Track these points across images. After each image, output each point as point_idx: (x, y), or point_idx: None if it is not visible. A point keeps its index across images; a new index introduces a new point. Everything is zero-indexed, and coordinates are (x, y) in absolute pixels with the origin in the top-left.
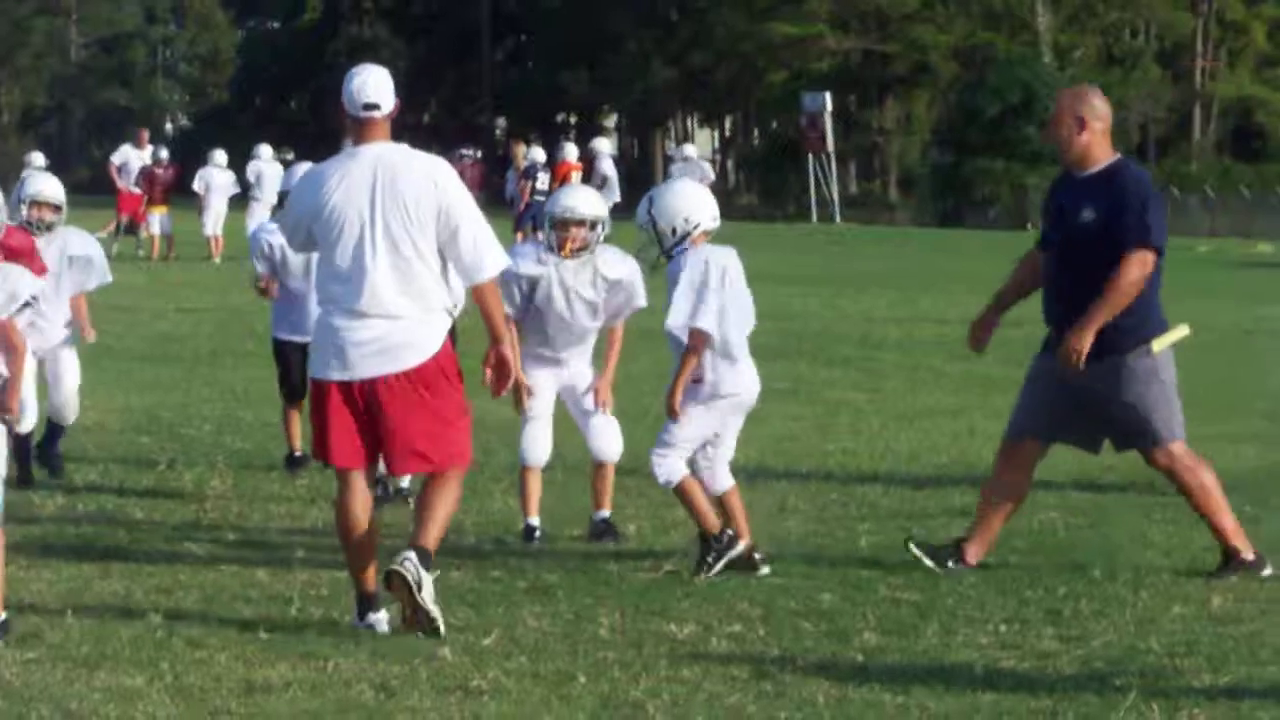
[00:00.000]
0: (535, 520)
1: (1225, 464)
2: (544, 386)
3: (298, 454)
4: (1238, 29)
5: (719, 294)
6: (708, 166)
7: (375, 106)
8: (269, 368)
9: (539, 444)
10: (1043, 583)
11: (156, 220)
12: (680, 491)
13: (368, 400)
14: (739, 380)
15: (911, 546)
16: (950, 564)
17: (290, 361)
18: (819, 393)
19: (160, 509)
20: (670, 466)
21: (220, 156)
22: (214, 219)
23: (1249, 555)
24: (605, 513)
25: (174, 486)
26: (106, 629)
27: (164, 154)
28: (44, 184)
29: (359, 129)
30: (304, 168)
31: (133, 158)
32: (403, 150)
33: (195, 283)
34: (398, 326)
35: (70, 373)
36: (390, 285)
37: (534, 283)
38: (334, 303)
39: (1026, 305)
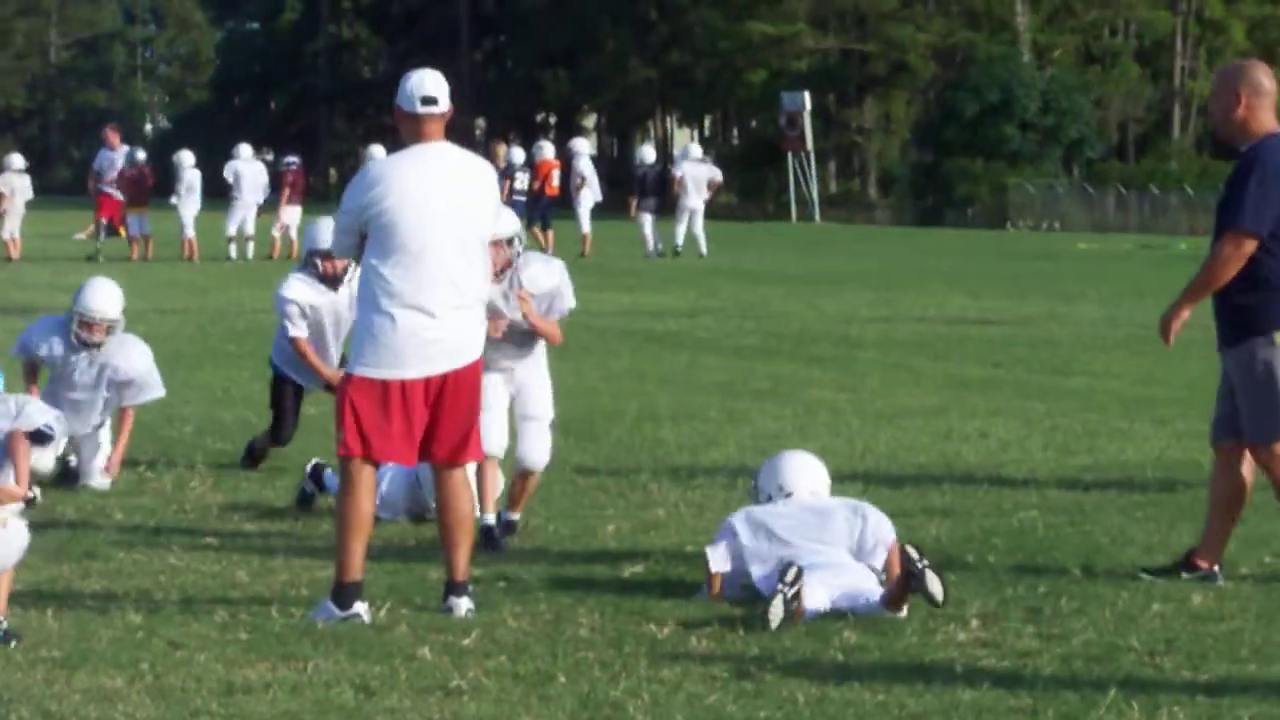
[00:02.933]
0: (491, 518)
1: (1206, 461)
2: (496, 382)
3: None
4: (1217, 27)
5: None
6: (690, 165)
7: (434, 101)
8: (250, 369)
9: (492, 432)
10: (1023, 581)
11: (135, 222)
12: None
13: (434, 396)
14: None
15: (1143, 575)
16: (1183, 575)
17: (285, 405)
18: (798, 392)
19: (140, 510)
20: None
21: (189, 157)
22: (191, 220)
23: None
24: (515, 515)
25: (154, 487)
26: (86, 629)
27: (140, 155)
28: (99, 299)
29: (418, 125)
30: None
31: (108, 160)
32: (462, 150)
33: (175, 283)
34: (468, 323)
35: (99, 457)
36: (464, 286)
37: None
38: (406, 299)
39: (1001, 305)
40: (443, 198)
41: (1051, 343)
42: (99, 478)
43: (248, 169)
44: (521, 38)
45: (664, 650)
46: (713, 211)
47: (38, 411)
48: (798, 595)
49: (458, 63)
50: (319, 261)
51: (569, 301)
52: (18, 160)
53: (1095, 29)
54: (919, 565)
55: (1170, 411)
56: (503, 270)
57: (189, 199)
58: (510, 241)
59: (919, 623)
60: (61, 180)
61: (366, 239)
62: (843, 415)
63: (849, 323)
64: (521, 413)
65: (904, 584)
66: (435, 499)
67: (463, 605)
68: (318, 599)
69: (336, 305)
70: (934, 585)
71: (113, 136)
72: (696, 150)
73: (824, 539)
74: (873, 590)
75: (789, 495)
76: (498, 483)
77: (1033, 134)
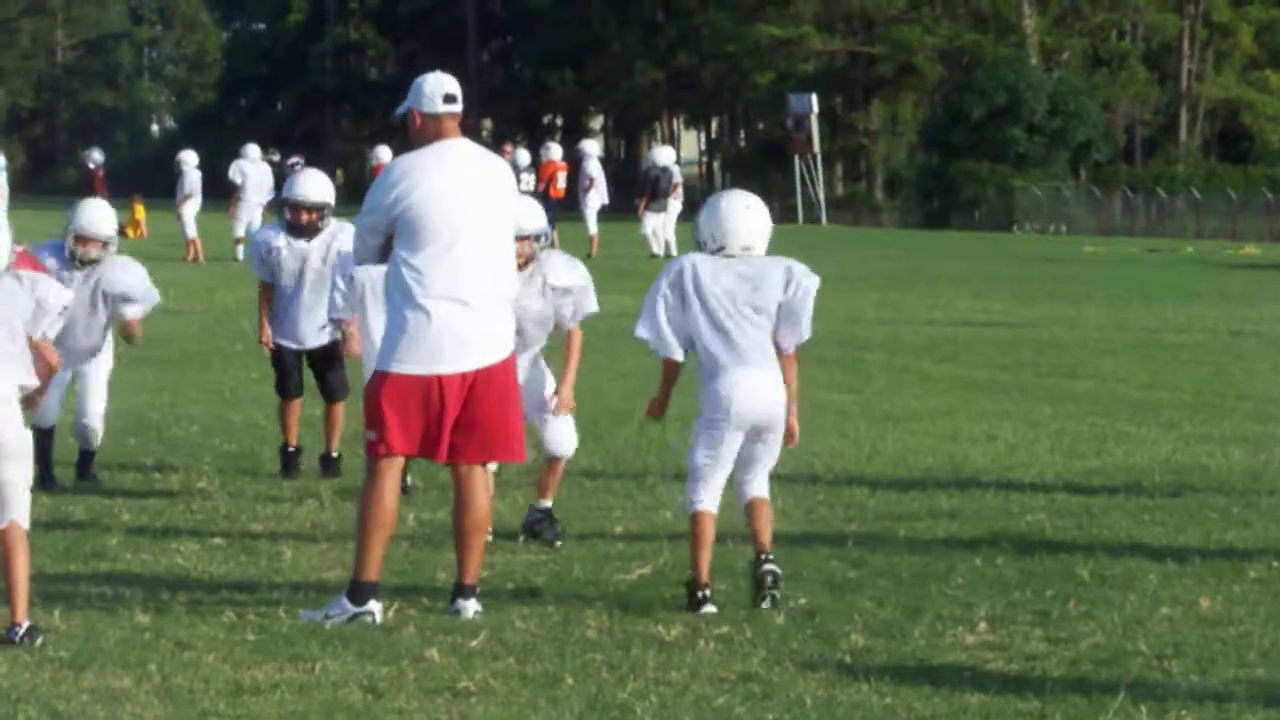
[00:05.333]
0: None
1: (1214, 465)
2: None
3: (293, 448)
4: (1224, 31)
5: (666, 301)
6: (676, 170)
7: (455, 99)
8: (256, 369)
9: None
10: (1030, 584)
11: None
12: (691, 522)
13: (467, 391)
14: (727, 397)
15: None
16: None
17: (286, 365)
18: (805, 393)
19: (148, 511)
20: (690, 496)
21: (192, 157)
22: (192, 220)
23: None
24: (546, 503)
25: (161, 488)
26: (94, 630)
27: (98, 155)
28: (94, 216)
29: (440, 124)
30: (313, 173)
31: None
32: (479, 147)
33: (181, 283)
34: (501, 317)
35: (97, 397)
36: (496, 278)
37: None
38: (440, 290)
39: (1007, 308)
40: (469, 191)
41: (1058, 346)
42: (95, 420)
43: (254, 170)
44: (528, 39)
45: (672, 652)
46: None
47: (55, 293)
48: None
49: (464, 64)
50: (288, 211)
51: (592, 304)
52: (254, 150)
53: (1103, 32)
54: (765, 592)
55: (1178, 415)
56: (525, 264)
57: (191, 200)
58: (537, 238)
59: (927, 625)
60: (68, 180)
61: (390, 239)
62: (850, 417)
63: (855, 325)
64: (537, 404)
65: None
66: (455, 499)
67: (470, 608)
68: (326, 599)
69: (306, 254)
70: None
71: None
72: (660, 154)
73: (755, 301)
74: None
75: (722, 248)
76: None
77: (1040, 137)
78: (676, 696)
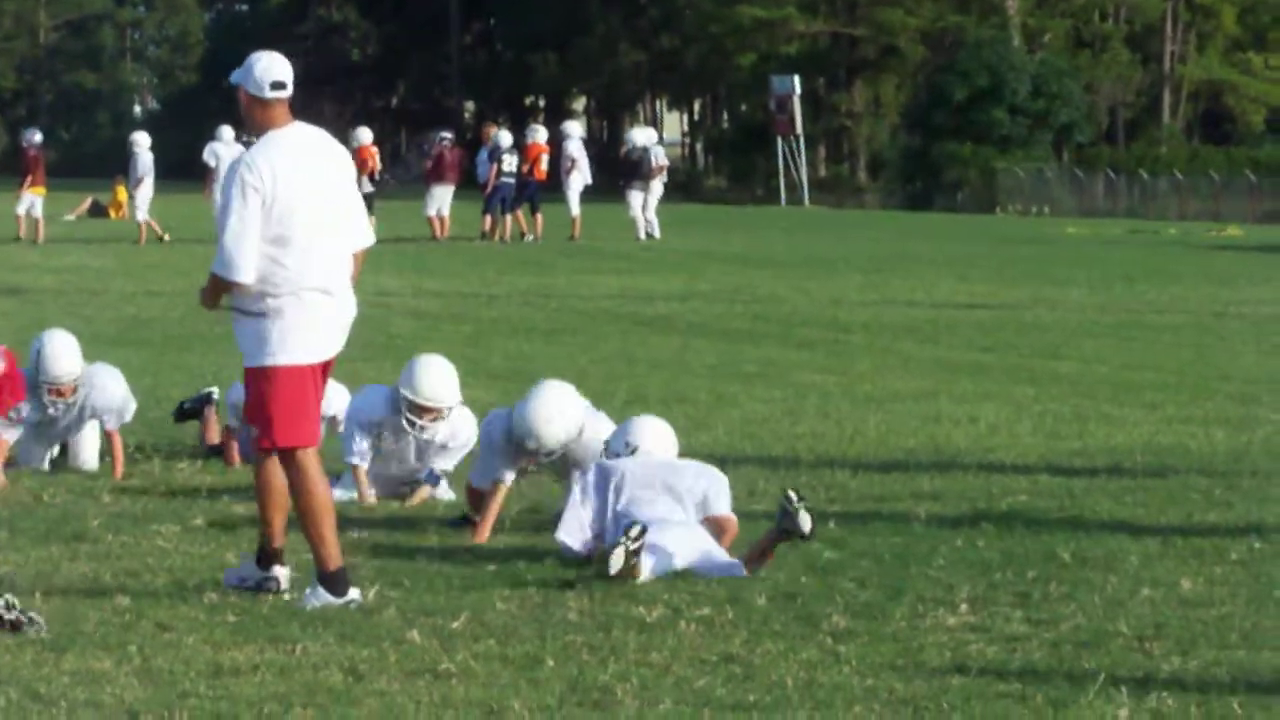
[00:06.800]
0: None
1: (1196, 446)
2: None
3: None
4: (1207, 12)
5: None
6: (660, 151)
7: (283, 85)
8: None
9: None
10: (1012, 566)
11: (35, 202)
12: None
13: (323, 376)
14: None
15: None
16: None
17: None
18: (787, 375)
19: (128, 492)
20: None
21: (144, 139)
22: (145, 203)
23: None
24: None
25: (142, 470)
26: (75, 612)
27: (36, 137)
28: (60, 365)
29: (268, 110)
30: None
31: None
32: (316, 129)
33: (163, 265)
34: (350, 303)
35: (90, 448)
36: (346, 263)
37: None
38: (309, 283)
39: (990, 290)
40: (316, 179)
41: (1041, 327)
42: (92, 463)
43: (227, 152)
44: (511, 21)
45: (653, 634)
46: (701, 196)
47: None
48: (638, 551)
49: (446, 45)
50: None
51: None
52: (227, 132)
53: (1085, 13)
54: (795, 504)
55: (1160, 396)
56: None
57: (144, 182)
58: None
59: (908, 607)
60: (49, 162)
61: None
62: (832, 399)
63: (838, 306)
64: None
65: (774, 531)
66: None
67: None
68: (306, 582)
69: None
70: (804, 521)
71: None
72: (640, 135)
73: (670, 491)
74: (719, 551)
75: (634, 450)
76: None
77: (1022, 118)
78: (657, 678)
